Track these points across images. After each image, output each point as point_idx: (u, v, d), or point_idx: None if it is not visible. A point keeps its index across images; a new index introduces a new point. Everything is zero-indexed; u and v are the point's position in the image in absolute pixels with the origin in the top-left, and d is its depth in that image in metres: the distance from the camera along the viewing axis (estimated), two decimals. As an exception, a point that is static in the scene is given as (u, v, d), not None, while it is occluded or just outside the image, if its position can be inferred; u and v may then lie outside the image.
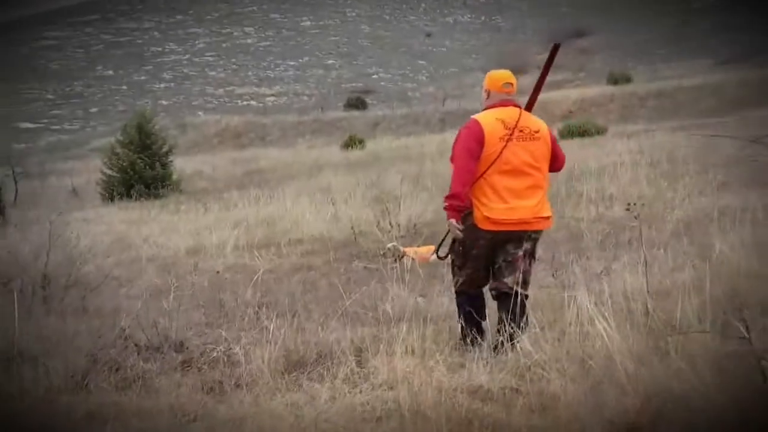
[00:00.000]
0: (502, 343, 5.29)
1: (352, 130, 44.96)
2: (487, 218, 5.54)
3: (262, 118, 56.68)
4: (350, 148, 35.21)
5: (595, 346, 4.61)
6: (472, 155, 5.52)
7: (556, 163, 5.84)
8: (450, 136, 19.17)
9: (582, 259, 8.39)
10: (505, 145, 5.50)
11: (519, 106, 5.70)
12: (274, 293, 8.45)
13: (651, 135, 24.15)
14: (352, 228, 12.18)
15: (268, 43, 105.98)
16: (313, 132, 48.93)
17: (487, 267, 5.75)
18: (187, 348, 6.08)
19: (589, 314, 4.84)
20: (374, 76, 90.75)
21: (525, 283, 5.67)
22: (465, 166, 5.53)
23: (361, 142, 36.40)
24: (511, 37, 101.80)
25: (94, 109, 78.54)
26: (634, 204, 5.41)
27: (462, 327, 5.77)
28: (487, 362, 5.11)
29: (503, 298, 5.64)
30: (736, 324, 4.12)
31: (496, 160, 5.50)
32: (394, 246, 10.62)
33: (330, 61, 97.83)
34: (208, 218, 16.19)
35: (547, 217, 5.70)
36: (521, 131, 5.56)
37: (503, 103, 5.69)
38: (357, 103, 63.01)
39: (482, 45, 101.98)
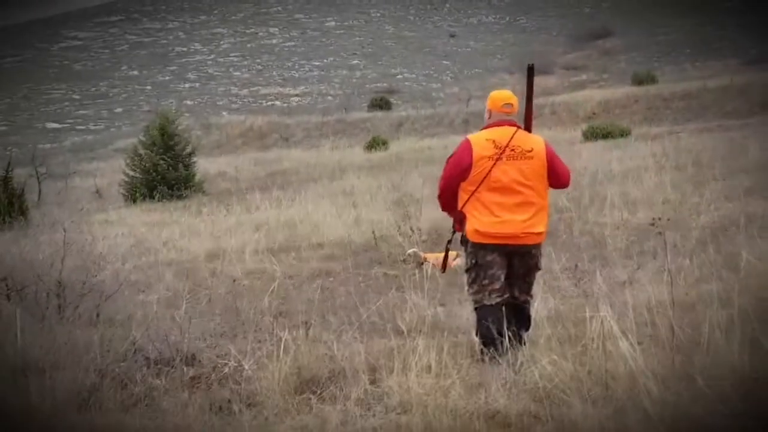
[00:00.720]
0: (522, 364, 5.16)
1: (376, 130, 44.66)
2: (476, 230, 5.79)
3: (286, 118, 56.43)
4: (373, 149, 34.94)
5: (618, 367, 4.43)
6: (456, 172, 5.87)
7: (556, 179, 5.96)
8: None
9: (605, 268, 8.21)
10: (494, 164, 5.74)
11: (517, 126, 5.89)
12: (292, 300, 8.32)
13: (676, 137, 23.85)
14: (372, 232, 12.07)
15: (292, 43, 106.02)
16: (337, 133, 48.62)
17: (502, 283, 5.83)
18: (199, 361, 5.94)
19: (612, 333, 4.66)
20: (398, 77, 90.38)
21: (529, 288, 5.97)
22: (446, 180, 5.96)
23: (384, 143, 36.09)
24: (535, 38, 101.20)
25: (119, 110, 78.67)
26: (659, 218, 5.23)
27: (480, 344, 5.67)
28: (505, 381, 4.96)
29: (510, 308, 5.84)
30: (765, 344, 3.95)
31: (485, 178, 5.75)
32: (414, 252, 10.51)
33: (354, 62, 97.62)
34: (229, 221, 16.09)
35: (539, 233, 5.83)
36: (512, 150, 5.78)
37: (500, 123, 5.92)
38: (381, 104, 62.63)
39: (507, 45, 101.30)
